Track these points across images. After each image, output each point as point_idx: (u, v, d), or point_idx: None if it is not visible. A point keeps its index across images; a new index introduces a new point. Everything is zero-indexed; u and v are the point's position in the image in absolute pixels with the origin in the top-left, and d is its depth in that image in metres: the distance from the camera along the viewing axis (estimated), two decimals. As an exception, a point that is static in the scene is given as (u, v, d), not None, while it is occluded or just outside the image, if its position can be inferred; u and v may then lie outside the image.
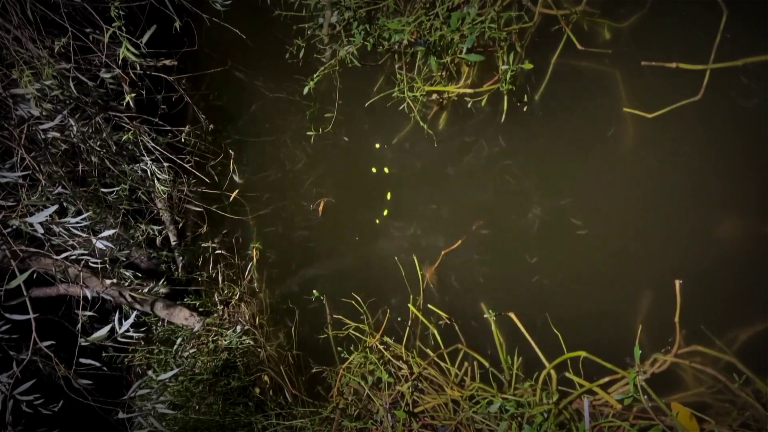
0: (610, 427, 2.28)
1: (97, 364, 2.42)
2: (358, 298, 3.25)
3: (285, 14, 3.24)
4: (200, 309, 4.12)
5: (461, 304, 2.84)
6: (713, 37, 1.96)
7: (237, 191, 3.95)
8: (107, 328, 2.41)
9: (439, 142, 2.89)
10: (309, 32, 3.26)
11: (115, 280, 3.47)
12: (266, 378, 3.70)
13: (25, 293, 2.37)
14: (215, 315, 4.02)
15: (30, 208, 2.67)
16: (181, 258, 4.33)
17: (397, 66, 2.97)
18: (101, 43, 3.07)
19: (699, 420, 2.10)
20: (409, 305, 2.99)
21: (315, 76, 3.14)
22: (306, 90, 3.17)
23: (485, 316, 2.72)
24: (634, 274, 2.27)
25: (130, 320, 2.50)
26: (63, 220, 2.63)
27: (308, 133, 3.44)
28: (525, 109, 2.54)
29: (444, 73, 2.77)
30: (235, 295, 4.03)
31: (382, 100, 3.04)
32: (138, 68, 3.28)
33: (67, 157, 3.36)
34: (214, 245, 4.17)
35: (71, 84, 3.01)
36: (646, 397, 2.17)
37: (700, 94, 2.02)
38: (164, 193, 3.74)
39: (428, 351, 2.94)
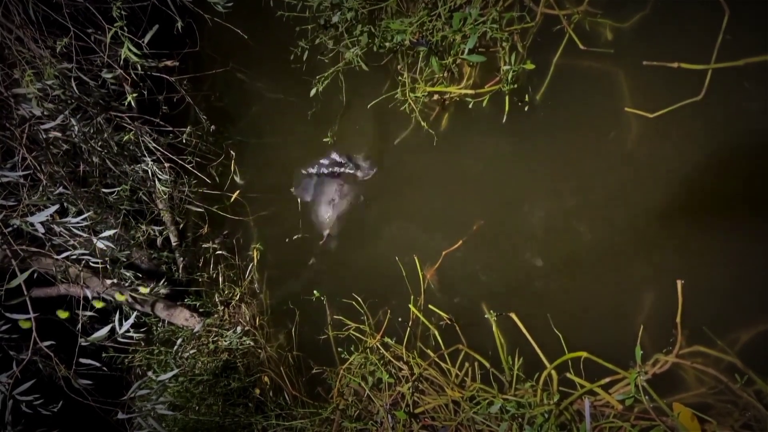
0: (611, 428, 2.28)
1: (97, 364, 2.41)
2: (359, 299, 3.24)
3: (288, 14, 3.24)
4: (201, 310, 4.11)
5: (462, 304, 2.84)
6: (715, 37, 1.96)
7: (238, 192, 3.95)
8: (107, 328, 2.41)
9: (441, 143, 2.89)
10: (312, 35, 3.26)
11: (115, 281, 3.46)
12: (266, 379, 3.70)
13: (25, 293, 2.37)
14: (215, 316, 4.02)
15: (31, 207, 2.67)
16: (181, 259, 4.33)
17: (399, 67, 2.97)
18: (103, 44, 3.07)
19: (700, 420, 2.09)
20: (410, 306, 2.99)
21: (323, 78, 3.15)
22: (313, 92, 3.19)
23: (486, 316, 2.71)
24: (635, 274, 2.27)
25: (131, 321, 2.50)
26: (64, 220, 2.63)
27: (309, 133, 3.45)
28: (526, 109, 2.54)
29: (446, 74, 2.78)
30: (236, 296, 4.02)
31: (385, 101, 3.05)
32: (139, 69, 3.29)
33: (69, 157, 3.36)
34: (214, 246, 4.17)
35: (73, 84, 3.02)
36: (647, 397, 2.17)
37: (702, 94, 2.02)
38: (165, 194, 3.74)
39: (429, 352, 2.93)
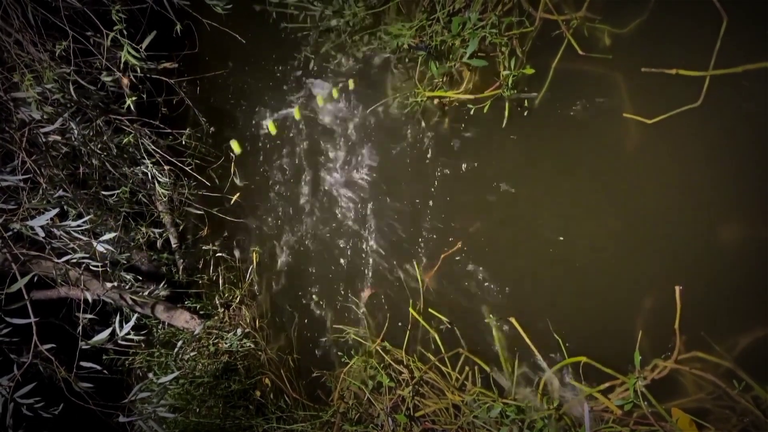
0: (610, 433, 2.28)
1: (98, 367, 2.41)
2: (359, 302, 3.25)
3: (290, 26, 3.25)
4: (201, 312, 4.12)
5: (462, 308, 2.84)
6: (713, 43, 1.96)
7: (238, 194, 3.95)
8: (108, 331, 2.41)
9: (441, 147, 2.89)
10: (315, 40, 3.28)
11: (115, 283, 3.47)
12: (267, 381, 3.70)
13: (26, 296, 2.37)
14: (216, 318, 4.03)
15: (31, 211, 2.67)
16: (181, 261, 4.34)
17: (399, 71, 2.97)
18: (102, 47, 3.07)
19: (699, 426, 2.10)
20: (410, 309, 2.99)
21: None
22: (321, 103, 3.21)
23: (486, 320, 2.72)
24: (634, 279, 2.27)
25: (131, 323, 2.50)
26: (64, 223, 2.63)
27: (309, 134, 3.44)
28: (526, 114, 2.54)
29: (446, 79, 2.77)
30: (236, 298, 4.03)
31: (385, 104, 3.05)
32: (139, 71, 3.29)
33: (68, 160, 3.36)
34: (214, 248, 4.17)
35: (72, 87, 3.02)
36: (646, 402, 2.18)
37: (700, 100, 2.02)
38: (165, 196, 3.75)
39: (429, 355, 2.94)
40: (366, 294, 3.23)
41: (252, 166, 3.95)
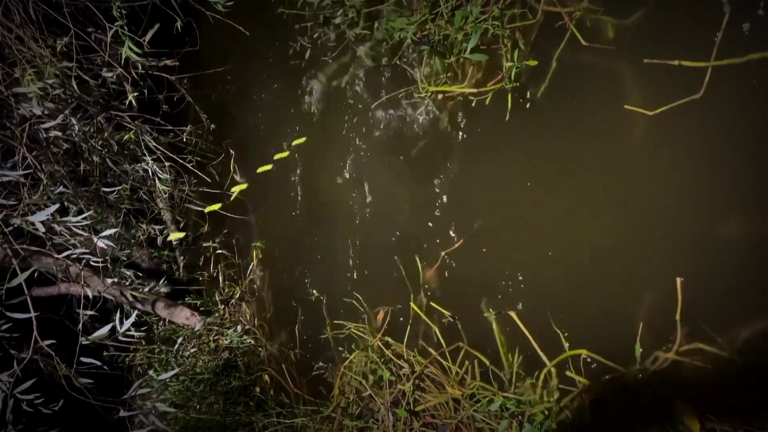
0: (613, 425, 2.28)
1: (98, 363, 2.42)
2: (359, 297, 3.25)
3: (287, 12, 3.25)
4: (201, 308, 4.12)
5: (462, 303, 2.83)
6: (716, 33, 1.96)
7: (238, 190, 3.95)
8: (108, 327, 2.42)
9: (443, 142, 2.89)
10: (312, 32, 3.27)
11: (116, 280, 3.47)
12: (267, 377, 3.70)
13: (26, 292, 2.37)
14: (216, 314, 4.03)
15: (31, 206, 2.68)
16: (182, 257, 4.34)
17: (402, 66, 2.98)
18: (103, 43, 3.08)
19: (700, 418, 2.09)
20: (411, 304, 2.99)
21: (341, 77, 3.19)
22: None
23: (485, 315, 2.71)
24: (635, 271, 2.27)
25: (131, 319, 2.50)
26: (64, 219, 2.64)
27: (309, 133, 3.44)
28: (528, 106, 2.53)
29: (449, 74, 2.77)
30: (236, 295, 4.03)
31: (388, 100, 3.06)
32: (140, 68, 3.29)
33: (69, 156, 3.37)
34: (215, 245, 4.18)
35: (73, 83, 3.02)
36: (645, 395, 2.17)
37: (702, 91, 2.01)
38: (165, 193, 3.75)
39: (430, 349, 2.93)
40: (380, 315, 3.22)
41: (252, 166, 3.96)
